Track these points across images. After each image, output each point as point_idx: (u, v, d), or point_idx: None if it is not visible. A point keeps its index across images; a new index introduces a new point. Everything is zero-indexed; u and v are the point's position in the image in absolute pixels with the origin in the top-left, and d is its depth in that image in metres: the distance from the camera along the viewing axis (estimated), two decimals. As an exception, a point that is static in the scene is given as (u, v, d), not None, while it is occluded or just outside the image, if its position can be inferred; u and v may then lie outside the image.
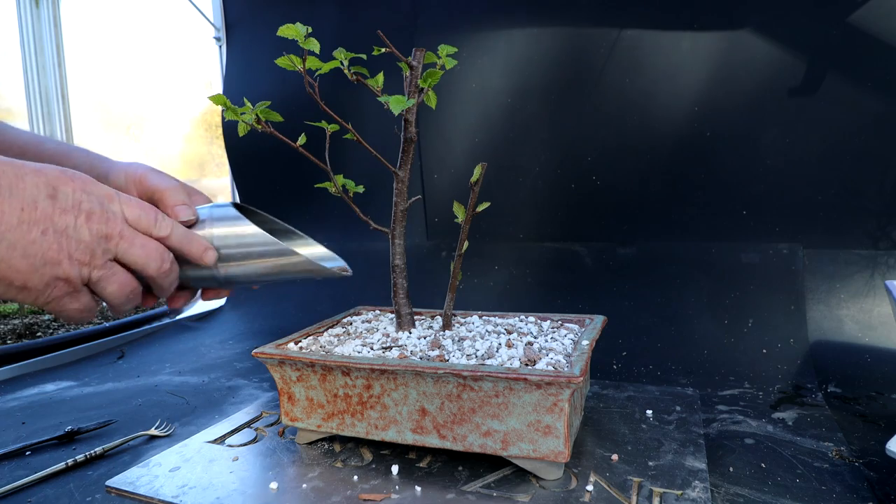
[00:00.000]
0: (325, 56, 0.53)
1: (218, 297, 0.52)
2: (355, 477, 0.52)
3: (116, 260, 0.43)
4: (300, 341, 0.63)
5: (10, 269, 0.39)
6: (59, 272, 0.40)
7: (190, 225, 0.48)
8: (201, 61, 1.55)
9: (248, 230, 0.49)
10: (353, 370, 0.53)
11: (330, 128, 0.56)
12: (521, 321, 0.67)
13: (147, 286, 0.47)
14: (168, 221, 0.46)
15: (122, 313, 0.47)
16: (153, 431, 0.66)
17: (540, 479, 0.50)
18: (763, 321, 0.87)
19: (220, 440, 0.62)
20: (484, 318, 0.68)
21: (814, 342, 0.83)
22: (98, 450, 0.60)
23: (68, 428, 0.65)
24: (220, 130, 1.40)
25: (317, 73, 0.54)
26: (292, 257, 0.49)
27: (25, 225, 0.38)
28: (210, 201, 0.53)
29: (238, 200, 1.39)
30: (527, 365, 0.51)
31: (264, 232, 0.49)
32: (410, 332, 0.62)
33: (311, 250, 0.57)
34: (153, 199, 0.48)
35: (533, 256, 1.06)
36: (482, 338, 0.59)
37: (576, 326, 0.65)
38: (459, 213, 0.59)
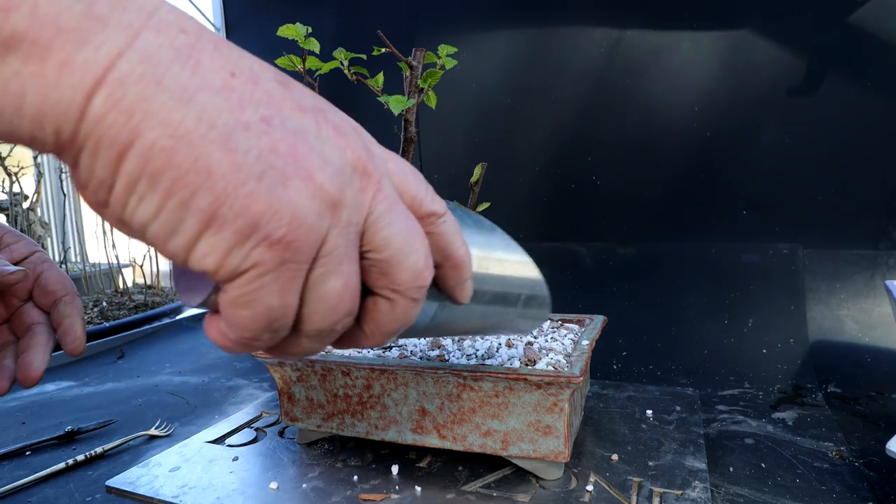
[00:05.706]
0: (325, 56, 0.53)
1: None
2: (355, 477, 0.52)
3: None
4: (300, 341, 0.62)
5: (197, 166, 0.18)
6: (303, 191, 0.19)
7: None
8: (201, 61, 1.55)
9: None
10: (353, 370, 0.53)
11: (330, 128, 0.56)
12: (521, 321, 0.66)
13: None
14: (439, 200, 0.26)
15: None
16: (153, 431, 0.66)
17: (540, 479, 0.50)
18: (763, 321, 0.87)
19: (220, 440, 0.62)
20: (484, 318, 0.68)
21: (814, 342, 0.83)
22: (98, 450, 0.60)
23: (68, 428, 0.65)
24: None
25: (317, 73, 0.54)
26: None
27: (235, 95, 0.19)
28: None
29: None
30: (527, 365, 0.51)
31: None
32: (410, 332, 0.62)
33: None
34: None
35: (533, 256, 1.06)
36: (482, 338, 0.59)
37: (576, 326, 0.65)
38: (459, 213, 0.59)
